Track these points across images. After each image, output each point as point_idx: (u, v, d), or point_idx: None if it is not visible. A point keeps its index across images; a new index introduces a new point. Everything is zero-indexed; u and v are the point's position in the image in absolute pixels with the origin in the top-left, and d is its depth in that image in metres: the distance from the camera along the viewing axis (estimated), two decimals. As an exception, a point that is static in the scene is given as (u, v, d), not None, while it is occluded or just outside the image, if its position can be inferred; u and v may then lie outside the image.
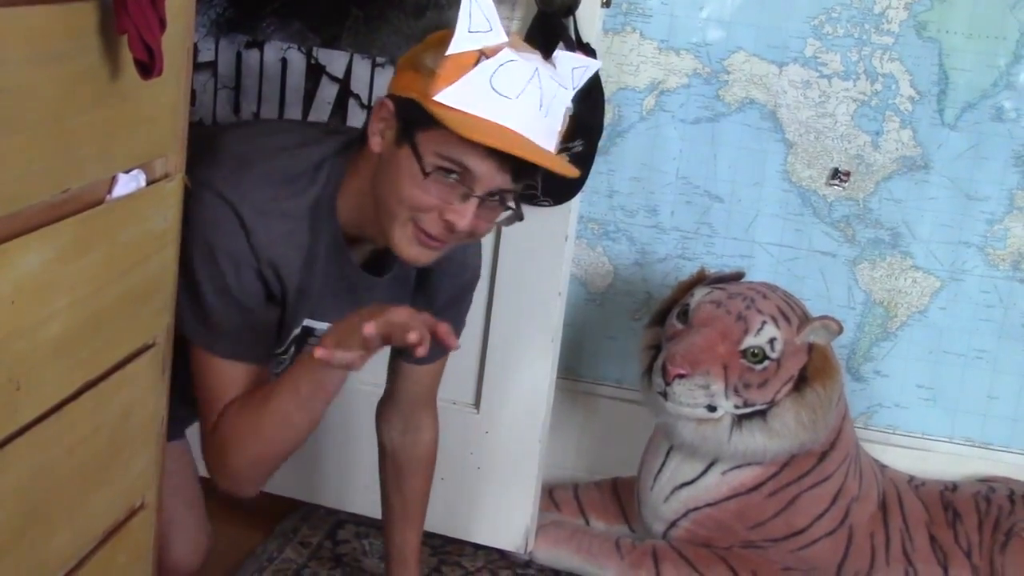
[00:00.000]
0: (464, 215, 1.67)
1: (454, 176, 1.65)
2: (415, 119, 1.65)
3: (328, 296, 1.84)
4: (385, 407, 2.17)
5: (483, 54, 1.62)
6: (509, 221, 1.76)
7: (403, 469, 2.19)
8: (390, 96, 1.71)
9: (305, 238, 1.77)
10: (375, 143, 1.72)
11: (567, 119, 1.73)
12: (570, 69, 1.73)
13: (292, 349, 1.90)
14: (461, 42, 1.62)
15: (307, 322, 1.87)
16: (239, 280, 1.74)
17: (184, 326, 1.73)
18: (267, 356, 1.84)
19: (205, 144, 1.79)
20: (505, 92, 1.62)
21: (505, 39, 1.65)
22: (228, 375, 1.76)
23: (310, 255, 1.79)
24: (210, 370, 1.76)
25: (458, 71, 1.61)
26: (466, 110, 1.61)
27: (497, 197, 1.69)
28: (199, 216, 1.71)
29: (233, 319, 1.75)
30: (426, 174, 1.65)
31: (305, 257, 1.79)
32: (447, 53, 1.62)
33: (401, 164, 1.67)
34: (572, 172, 1.72)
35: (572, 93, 1.72)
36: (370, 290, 1.87)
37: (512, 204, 1.72)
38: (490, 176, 1.65)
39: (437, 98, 1.61)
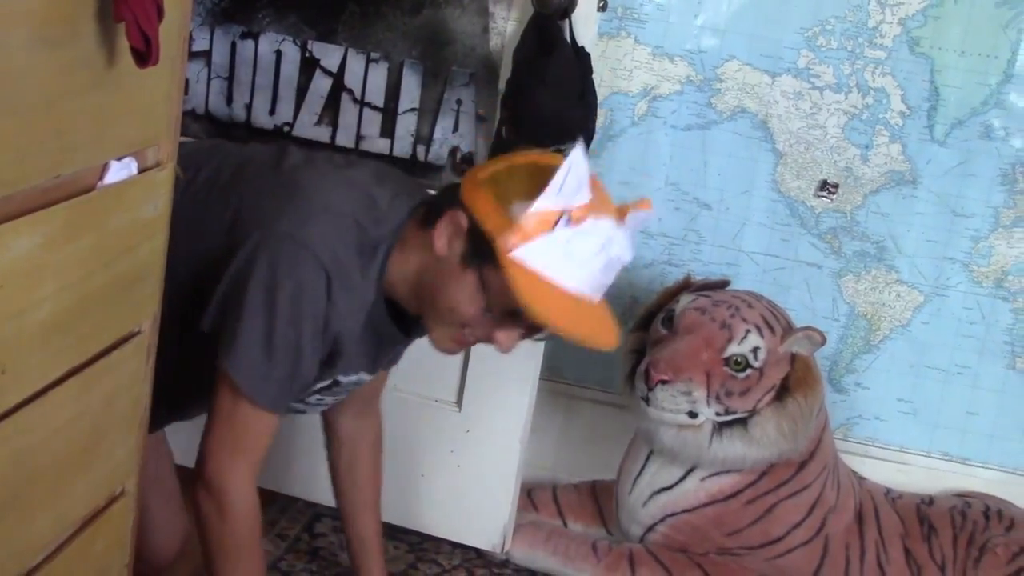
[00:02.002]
0: (511, 343, 1.78)
1: (511, 316, 1.73)
2: (486, 254, 1.70)
3: (363, 354, 1.89)
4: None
5: (565, 215, 1.66)
6: (542, 338, 1.87)
7: (357, 455, 2.19)
8: (465, 210, 1.73)
9: (365, 308, 1.82)
10: (441, 247, 1.75)
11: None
12: (635, 228, 1.77)
13: (316, 395, 1.93)
14: (550, 200, 1.65)
15: (338, 376, 1.91)
16: (313, 343, 1.77)
17: (237, 369, 1.74)
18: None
19: (281, 187, 1.81)
20: (578, 258, 1.68)
21: (589, 198, 1.68)
22: (264, 425, 1.80)
23: (364, 326, 1.84)
24: (247, 416, 1.77)
25: (539, 228, 1.66)
26: (537, 269, 1.66)
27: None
28: (291, 270, 1.72)
29: (291, 375, 1.77)
30: (488, 310, 1.73)
31: (361, 327, 1.83)
32: (535, 209, 1.65)
33: (463, 284, 1.74)
34: (612, 345, 1.76)
35: (631, 253, 1.77)
36: (395, 345, 1.96)
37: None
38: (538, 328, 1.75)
39: (513, 254, 1.66)
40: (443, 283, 1.76)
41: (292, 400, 1.84)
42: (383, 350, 1.94)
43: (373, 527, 2.24)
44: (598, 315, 1.74)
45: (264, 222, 1.76)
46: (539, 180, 1.67)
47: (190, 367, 1.82)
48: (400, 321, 1.89)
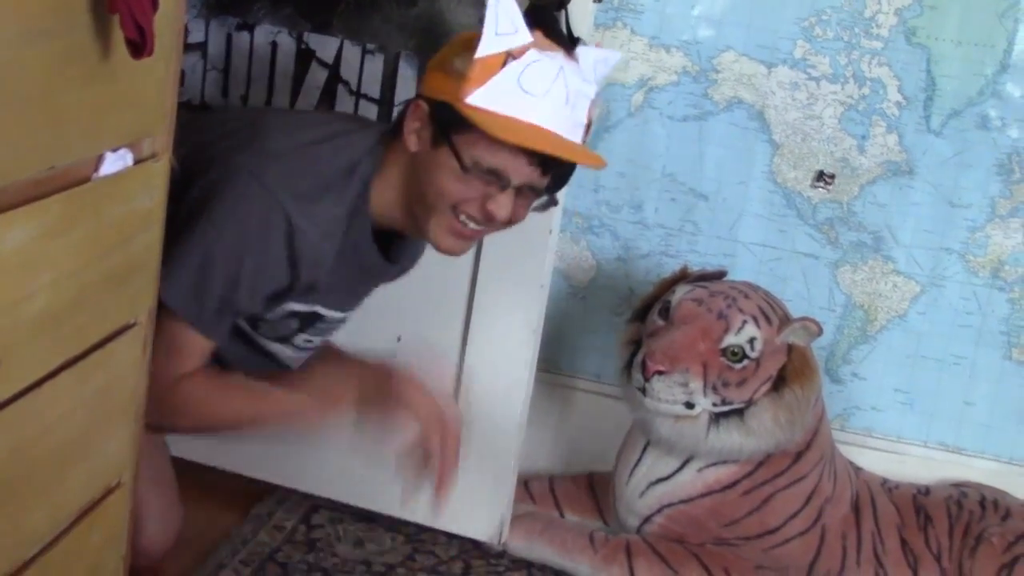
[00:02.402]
0: (504, 204, 1.78)
1: (492, 173, 1.75)
2: (450, 121, 1.74)
3: (344, 284, 1.90)
4: None
5: (510, 55, 1.70)
6: (544, 206, 1.94)
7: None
8: (423, 97, 1.79)
9: (340, 238, 1.83)
10: (412, 143, 1.80)
11: (592, 110, 1.82)
12: (592, 63, 1.81)
13: (296, 324, 1.93)
14: (488, 45, 1.70)
15: (318, 308, 1.90)
16: (258, 278, 1.78)
17: (171, 293, 1.73)
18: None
19: (245, 128, 1.83)
20: (532, 91, 1.71)
21: (530, 39, 1.73)
22: (199, 347, 1.81)
23: (341, 253, 1.84)
24: (181, 337, 1.78)
25: (486, 73, 1.70)
26: (496, 110, 1.70)
27: (531, 188, 1.81)
28: (241, 205, 1.74)
29: (228, 305, 1.78)
30: (466, 170, 1.75)
31: (336, 255, 1.84)
32: (475, 56, 1.70)
33: (440, 162, 1.77)
34: (598, 162, 1.85)
35: (595, 87, 1.81)
36: (381, 276, 1.98)
37: (544, 192, 1.86)
38: (523, 171, 1.76)
39: (468, 100, 1.70)
40: (424, 174, 1.80)
41: (226, 326, 1.82)
42: (365, 283, 1.94)
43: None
44: (564, 141, 1.76)
45: (224, 154, 1.77)
46: (477, 40, 1.71)
47: None
48: (385, 250, 1.91)
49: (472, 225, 1.83)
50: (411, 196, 1.84)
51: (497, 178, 1.77)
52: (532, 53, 1.71)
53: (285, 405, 1.88)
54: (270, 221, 1.75)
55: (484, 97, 1.71)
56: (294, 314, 1.90)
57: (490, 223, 1.82)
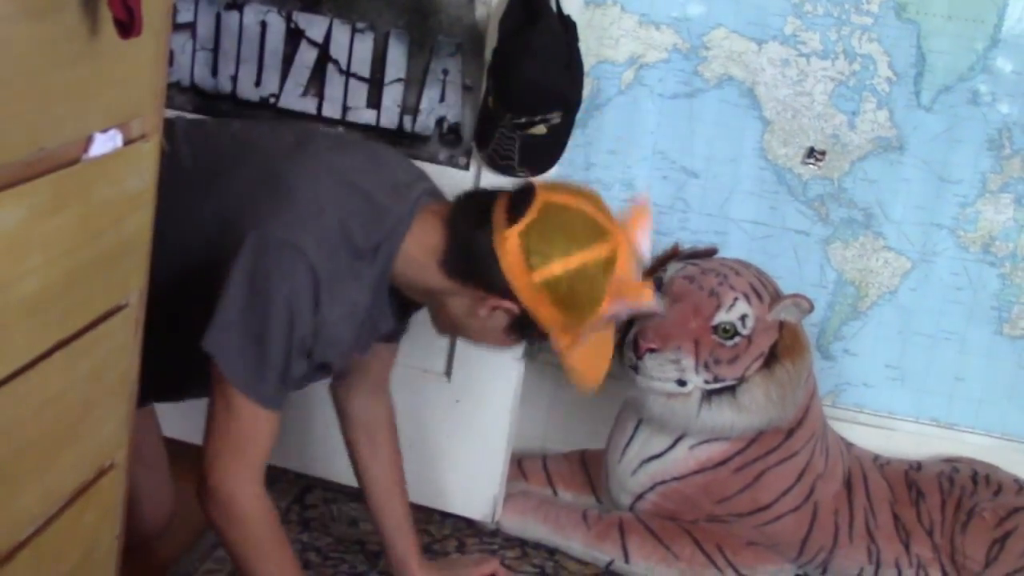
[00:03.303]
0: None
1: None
2: (536, 332, 1.83)
3: (354, 344, 1.90)
4: (349, 378, 2.16)
5: (619, 308, 1.81)
6: None
7: (377, 435, 2.20)
8: (516, 302, 1.79)
9: (361, 317, 1.85)
10: (483, 316, 1.82)
11: None
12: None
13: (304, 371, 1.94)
14: (610, 311, 1.80)
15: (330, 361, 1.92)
16: (302, 344, 1.77)
17: (232, 372, 1.74)
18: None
19: (274, 184, 1.80)
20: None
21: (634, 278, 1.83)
22: (264, 425, 1.78)
23: (360, 325, 1.86)
24: (246, 418, 1.76)
25: (595, 326, 1.81)
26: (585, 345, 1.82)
27: None
28: (287, 278, 1.73)
29: (288, 377, 1.78)
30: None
31: (355, 329, 1.85)
32: (597, 319, 1.79)
33: (504, 342, 1.89)
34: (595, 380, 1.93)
35: None
36: (390, 324, 1.97)
37: None
38: None
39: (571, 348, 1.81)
40: (478, 334, 1.88)
41: (286, 397, 1.83)
42: (371, 335, 1.94)
43: (403, 509, 2.23)
44: (604, 348, 1.90)
45: (258, 223, 1.75)
46: (597, 286, 1.77)
47: (177, 354, 1.82)
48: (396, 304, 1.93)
49: None
50: (437, 305, 1.88)
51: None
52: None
53: None
54: (305, 294, 1.74)
55: (583, 341, 1.81)
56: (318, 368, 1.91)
57: None
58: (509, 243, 1.76)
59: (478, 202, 1.84)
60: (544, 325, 1.80)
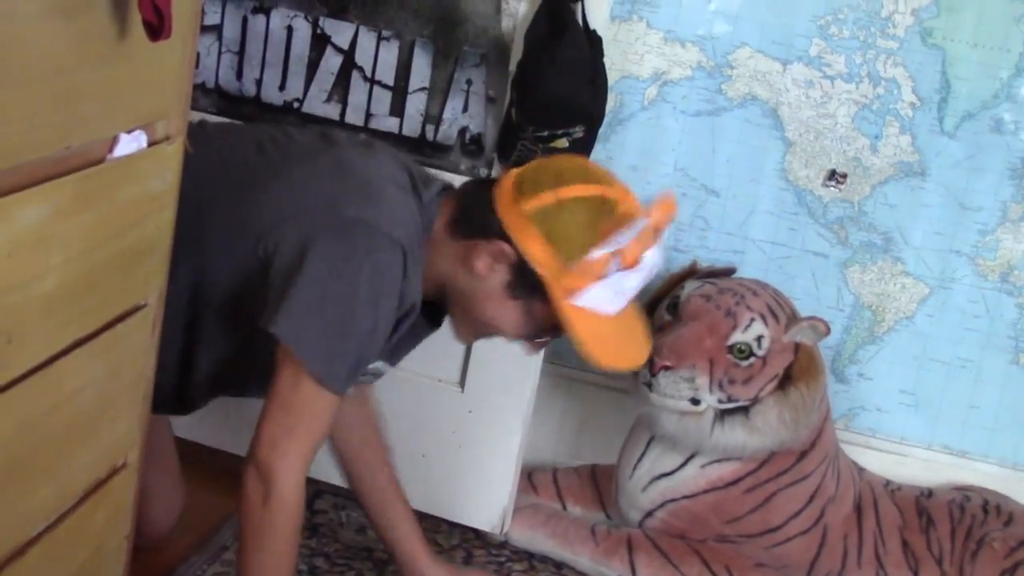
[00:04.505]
0: (537, 351, 1.91)
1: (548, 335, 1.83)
2: (536, 290, 1.75)
3: (400, 339, 1.89)
4: None
5: (619, 258, 1.71)
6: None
7: (365, 445, 2.17)
8: (510, 243, 1.74)
9: (420, 278, 1.83)
10: (483, 272, 1.77)
11: None
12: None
13: None
14: (606, 247, 1.70)
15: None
16: (387, 323, 1.76)
17: (309, 356, 1.71)
18: None
19: (331, 172, 1.81)
20: (626, 291, 1.75)
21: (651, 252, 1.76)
22: (326, 408, 1.76)
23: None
24: (310, 398, 1.74)
25: (594, 275, 1.71)
26: (590, 308, 1.72)
27: None
28: (370, 256, 1.71)
29: (364, 359, 1.78)
30: (531, 334, 1.82)
31: (418, 296, 1.84)
32: (590, 259, 1.69)
33: (507, 310, 1.80)
34: (641, 361, 1.88)
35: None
36: (420, 336, 1.98)
37: None
38: None
39: (570, 300, 1.72)
40: (483, 302, 1.81)
41: (355, 382, 1.82)
42: (408, 340, 1.93)
43: (408, 515, 2.20)
44: (634, 330, 1.82)
45: (328, 212, 1.75)
46: (590, 220, 1.71)
47: (235, 357, 1.82)
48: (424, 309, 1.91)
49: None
50: (452, 294, 1.84)
51: (544, 337, 1.83)
52: (642, 264, 1.73)
53: None
54: (394, 271, 1.73)
55: (584, 298, 1.72)
56: None
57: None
58: (504, 184, 1.78)
59: (487, 180, 1.90)
60: (535, 266, 1.73)
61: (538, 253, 1.73)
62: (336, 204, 1.75)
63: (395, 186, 1.80)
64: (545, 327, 1.79)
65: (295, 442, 1.74)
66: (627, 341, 1.80)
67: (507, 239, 1.75)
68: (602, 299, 1.72)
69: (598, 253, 1.69)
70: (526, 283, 1.75)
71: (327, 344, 1.71)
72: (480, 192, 1.83)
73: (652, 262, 1.75)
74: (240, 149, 1.91)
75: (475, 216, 1.80)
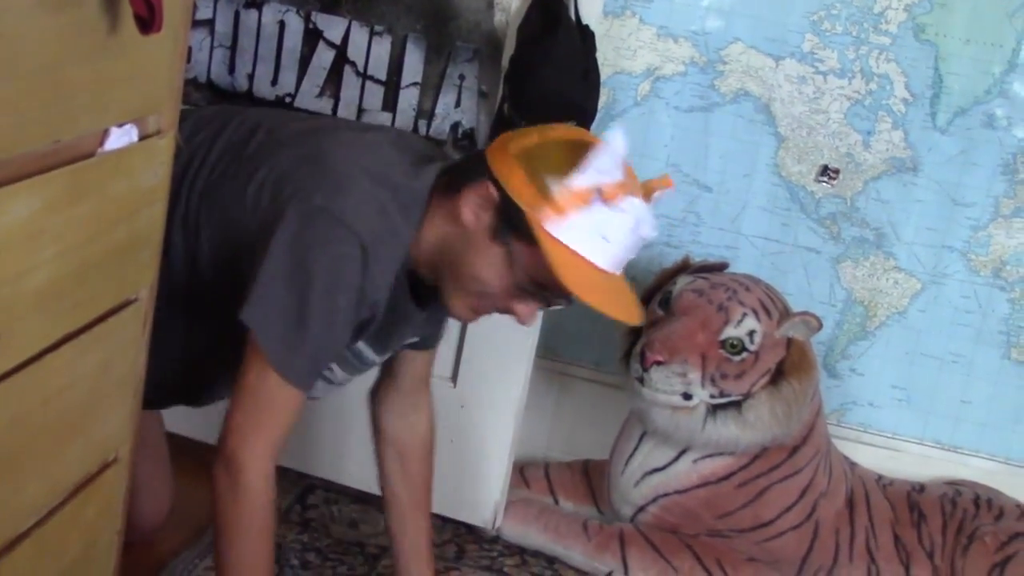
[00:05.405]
0: (530, 316, 1.79)
1: (538, 290, 1.75)
2: (518, 228, 1.70)
3: (383, 327, 1.87)
4: (382, 392, 2.13)
5: (600, 192, 1.65)
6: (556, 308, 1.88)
7: (407, 454, 2.14)
8: (495, 184, 1.72)
9: (392, 281, 1.80)
10: (469, 219, 1.74)
11: None
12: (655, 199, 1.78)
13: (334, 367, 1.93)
14: (585, 177, 1.65)
15: (360, 345, 1.90)
16: (347, 317, 1.75)
17: (269, 343, 1.71)
18: None
19: (309, 158, 1.80)
20: (611, 239, 1.68)
21: (621, 177, 1.68)
22: (290, 401, 1.76)
23: (391, 296, 1.82)
24: (273, 391, 1.74)
25: (573, 204, 1.66)
26: (572, 246, 1.67)
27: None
28: (326, 245, 1.71)
29: (324, 352, 1.77)
30: (515, 280, 1.74)
31: (388, 298, 1.81)
32: (570, 185, 1.65)
33: (490, 257, 1.74)
34: (638, 321, 1.82)
35: (656, 232, 1.78)
36: (412, 321, 1.93)
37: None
38: (564, 301, 1.78)
39: (548, 228, 1.66)
40: (468, 253, 1.76)
41: (316, 376, 1.81)
42: (399, 328, 1.92)
43: (427, 532, 2.18)
44: (624, 291, 1.77)
45: (297, 197, 1.74)
46: (572, 155, 1.67)
47: (211, 346, 1.82)
48: (414, 293, 1.88)
49: (493, 312, 1.83)
50: (444, 256, 1.80)
51: (539, 295, 1.76)
52: (622, 202, 1.67)
53: None
54: (353, 255, 1.72)
55: (562, 229, 1.67)
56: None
57: (508, 314, 1.81)
58: (496, 140, 1.78)
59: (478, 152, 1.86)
60: (518, 200, 1.69)
61: (519, 185, 1.69)
62: (307, 191, 1.75)
63: (369, 179, 1.78)
64: (531, 275, 1.73)
65: (262, 434, 1.75)
66: (617, 296, 1.75)
67: (492, 179, 1.72)
68: (584, 237, 1.67)
69: (577, 180, 1.65)
70: (509, 222, 1.71)
71: (286, 333, 1.72)
72: (477, 153, 1.83)
73: (638, 213, 1.70)
74: (235, 133, 1.93)
75: (464, 167, 1.81)
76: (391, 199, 1.78)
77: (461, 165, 1.86)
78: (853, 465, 2.74)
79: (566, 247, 1.67)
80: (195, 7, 2.42)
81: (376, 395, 2.15)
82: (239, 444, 1.74)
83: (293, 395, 1.76)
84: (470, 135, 2.45)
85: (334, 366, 1.94)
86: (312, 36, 2.49)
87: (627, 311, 1.76)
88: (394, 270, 1.79)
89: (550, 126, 1.78)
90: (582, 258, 1.67)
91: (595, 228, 1.67)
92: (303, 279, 1.70)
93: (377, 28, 2.46)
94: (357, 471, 2.57)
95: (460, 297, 1.81)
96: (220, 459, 1.76)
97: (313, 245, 1.71)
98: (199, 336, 1.91)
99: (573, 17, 2.29)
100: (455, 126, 2.46)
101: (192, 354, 1.93)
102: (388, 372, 2.12)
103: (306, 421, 2.59)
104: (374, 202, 1.76)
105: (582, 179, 1.65)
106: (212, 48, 2.54)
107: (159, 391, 1.77)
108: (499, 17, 2.41)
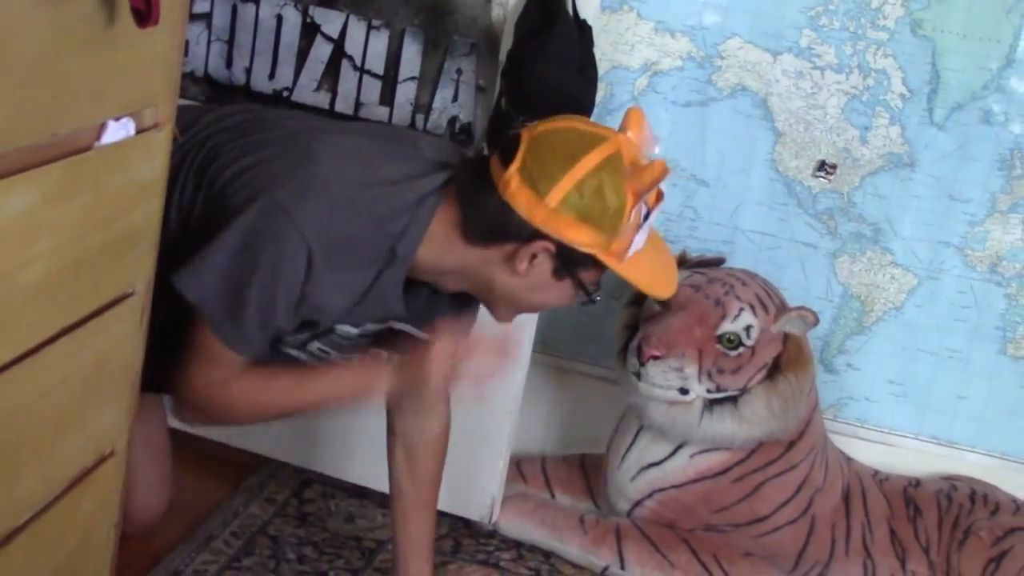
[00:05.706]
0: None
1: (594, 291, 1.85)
2: (584, 264, 1.78)
3: (359, 313, 1.88)
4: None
5: (644, 203, 1.78)
6: None
7: (414, 452, 2.15)
8: (546, 239, 1.75)
9: (360, 289, 1.83)
10: (525, 269, 1.79)
11: None
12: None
13: (307, 334, 1.92)
14: (635, 206, 1.75)
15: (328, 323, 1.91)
16: (287, 312, 1.78)
17: (212, 318, 1.75)
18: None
19: (294, 152, 1.82)
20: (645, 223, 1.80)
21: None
22: (236, 365, 1.80)
23: (361, 299, 1.84)
24: (220, 358, 1.78)
25: (634, 229, 1.76)
26: (638, 255, 1.78)
27: None
28: (275, 242, 1.73)
29: (265, 332, 1.79)
30: (594, 302, 1.86)
31: (353, 303, 1.84)
32: (627, 218, 1.74)
33: (556, 291, 1.83)
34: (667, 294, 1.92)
35: None
36: (398, 317, 1.94)
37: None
38: None
39: (619, 256, 1.76)
40: (530, 293, 1.84)
41: (263, 346, 1.83)
42: (382, 315, 1.92)
43: (429, 531, 2.19)
44: (659, 249, 1.89)
45: (269, 189, 1.76)
46: (612, 185, 1.73)
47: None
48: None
49: None
50: (482, 288, 1.86)
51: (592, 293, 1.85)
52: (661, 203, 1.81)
53: (322, 391, 1.89)
54: (298, 260, 1.74)
55: (631, 250, 1.77)
56: (305, 324, 1.90)
57: None
58: (513, 185, 1.75)
59: (474, 166, 1.85)
60: (583, 248, 1.75)
61: (579, 237, 1.75)
62: (276, 186, 1.76)
63: (342, 186, 1.78)
64: (594, 286, 1.83)
65: (214, 380, 1.79)
66: (660, 264, 1.87)
67: (543, 236, 1.75)
68: (640, 240, 1.78)
69: (631, 212, 1.74)
70: (572, 262, 1.78)
71: (224, 304, 1.75)
72: (483, 194, 1.79)
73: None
74: (241, 123, 1.95)
75: (496, 223, 1.78)
76: (369, 217, 1.79)
77: (471, 210, 1.81)
78: (849, 460, 2.74)
79: (638, 263, 1.78)
80: (192, 1, 2.42)
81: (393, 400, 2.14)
82: (198, 390, 1.80)
83: (239, 361, 1.80)
84: (467, 129, 2.45)
85: (329, 349, 1.95)
86: (310, 30, 2.49)
87: (668, 276, 1.90)
88: (353, 287, 1.81)
89: (567, 154, 1.76)
90: (648, 264, 1.80)
91: (644, 232, 1.79)
92: (248, 265, 1.73)
93: (375, 22, 2.46)
94: (354, 466, 2.58)
95: (510, 313, 1.91)
96: (188, 409, 1.85)
97: (264, 237, 1.73)
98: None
99: (571, 12, 2.29)
100: (452, 120, 2.46)
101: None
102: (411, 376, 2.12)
103: (303, 417, 2.59)
104: (340, 213, 1.76)
105: (633, 207, 1.74)
106: (209, 42, 2.54)
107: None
108: (496, 12, 2.41)
